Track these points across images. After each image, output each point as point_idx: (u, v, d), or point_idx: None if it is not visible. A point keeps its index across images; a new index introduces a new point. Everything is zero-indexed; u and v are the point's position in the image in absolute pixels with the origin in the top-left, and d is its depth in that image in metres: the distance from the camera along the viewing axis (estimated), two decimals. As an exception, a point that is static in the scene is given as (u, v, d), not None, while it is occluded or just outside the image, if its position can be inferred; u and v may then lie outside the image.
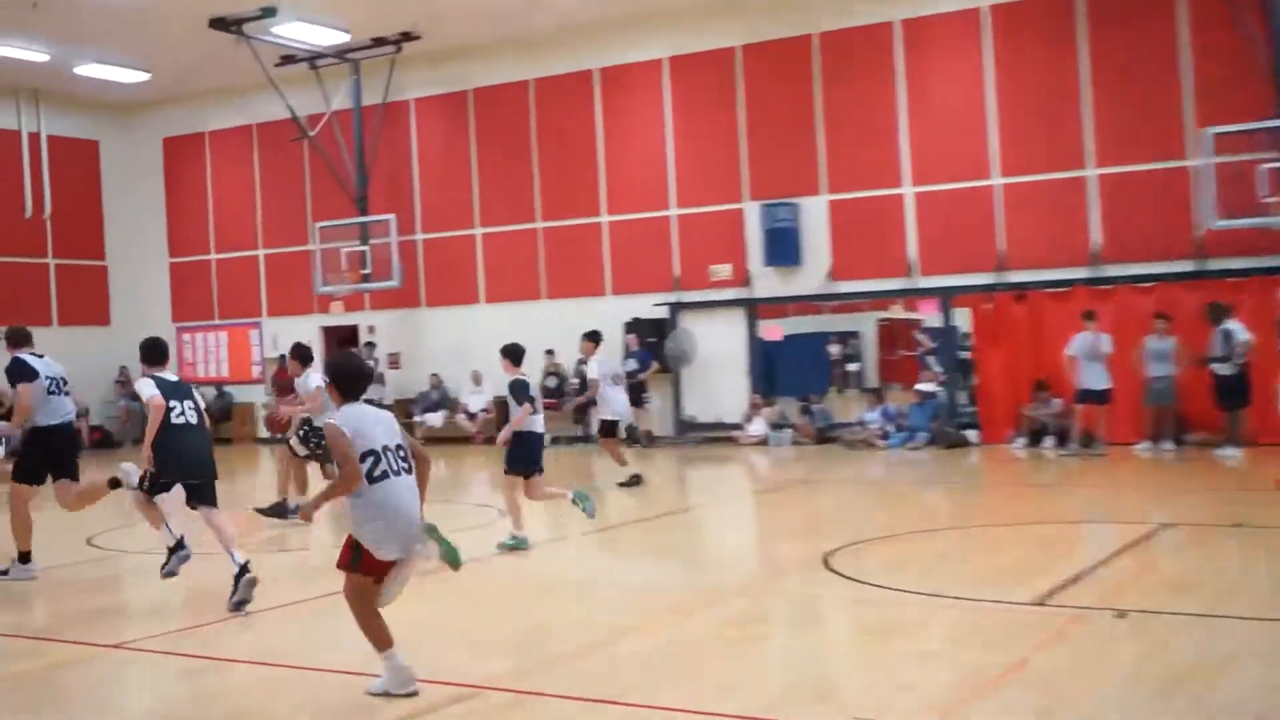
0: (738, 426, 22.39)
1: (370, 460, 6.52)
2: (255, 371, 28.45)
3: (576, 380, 23.54)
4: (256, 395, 28.31)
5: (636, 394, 22.41)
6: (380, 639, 6.56)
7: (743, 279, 22.61)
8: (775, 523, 13.21)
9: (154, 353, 9.83)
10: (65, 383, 10.96)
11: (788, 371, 22.43)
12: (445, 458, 22.13)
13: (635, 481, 15.99)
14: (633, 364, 22.24)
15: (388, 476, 6.53)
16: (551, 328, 24.19)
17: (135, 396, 28.70)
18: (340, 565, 6.60)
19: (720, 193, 22.88)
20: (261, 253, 28.27)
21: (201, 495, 9.52)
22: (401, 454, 6.66)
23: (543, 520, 13.20)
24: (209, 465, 9.63)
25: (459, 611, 8.80)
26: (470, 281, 25.52)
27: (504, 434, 11.62)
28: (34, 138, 27.89)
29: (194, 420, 9.62)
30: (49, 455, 10.73)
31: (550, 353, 24.08)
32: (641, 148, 23.65)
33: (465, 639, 7.91)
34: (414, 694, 6.50)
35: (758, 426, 22.01)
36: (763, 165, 22.51)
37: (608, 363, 16.96)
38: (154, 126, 29.71)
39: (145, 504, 9.57)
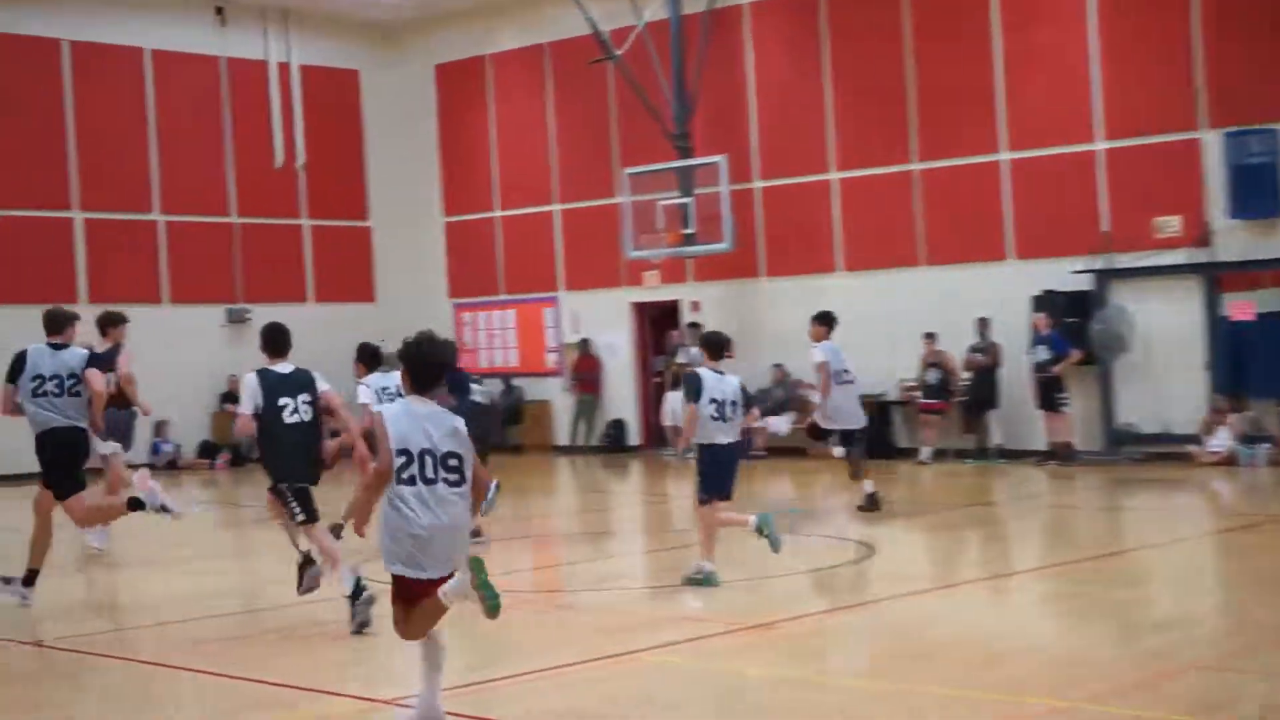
0: (1193, 439, 21.48)
1: (401, 460, 7.47)
2: (550, 361, 28.80)
3: (970, 374, 22.86)
4: (552, 391, 28.68)
5: (1048, 394, 21.75)
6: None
7: (1198, 236, 21.49)
8: (1248, 574, 12.72)
9: (271, 341, 11.27)
10: (74, 380, 12.06)
11: (1264, 364, 21.17)
12: (792, 473, 21.92)
13: (873, 505, 16.62)
14: (1043, 352, 21.82)
15: (414, 483, 7.47)
16: (931, 304, 23.72)
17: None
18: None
19: (1166, 117, 21.78)
20: (557, 208, 28.61)
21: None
22: (450, 464, 7.52)
23: (928, 558, 13.14)
24: (316, 469, 10.98)
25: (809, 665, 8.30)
26: (823, 243, 25.10)
27: (680, 443, 12.61)
28: (283, 70, 29.06)
29: (308, 417, 10.86)
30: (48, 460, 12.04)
31: (930, 337, 23.45)
32: (1056, 61, 22.74)
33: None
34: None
35: (1221, 439, 21.12)
36: (1228, 79, 21.18)
37: (840, 354, 17.19)
38: (425, 51, 30.51)
39: (273, 506, 11.30)
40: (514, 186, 29.31)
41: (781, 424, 24.71)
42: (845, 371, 17.10)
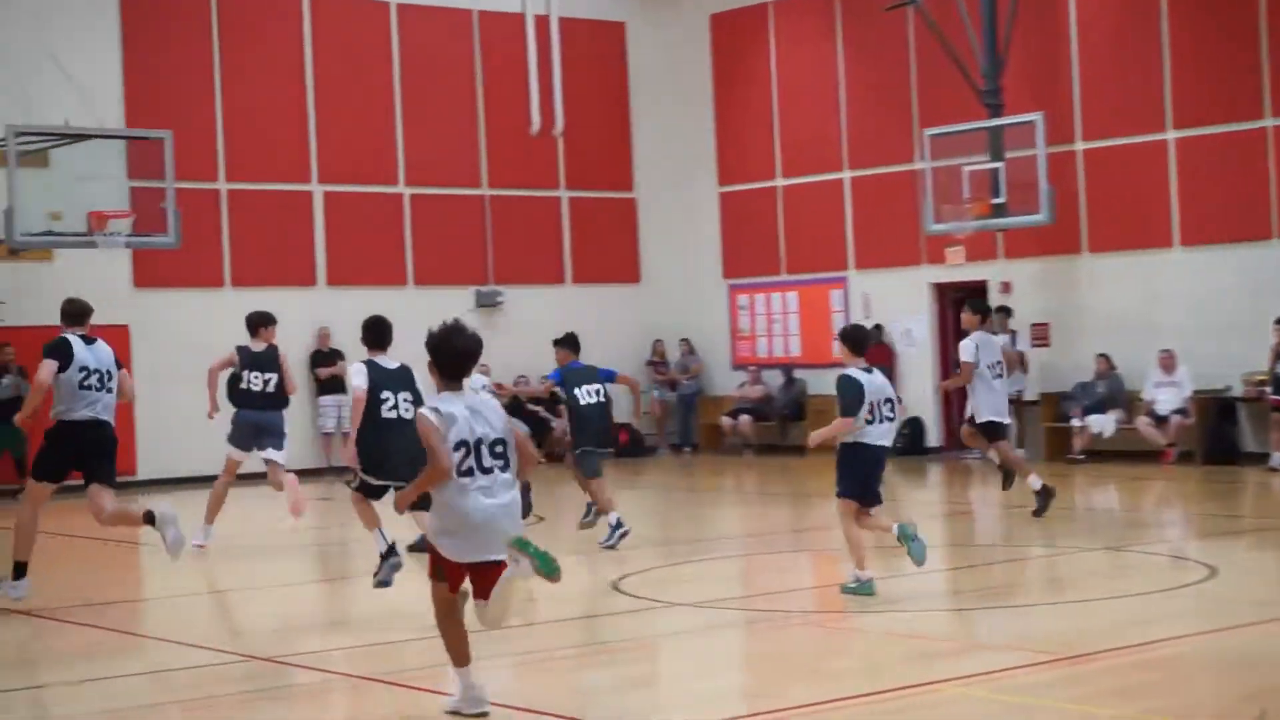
0: None
1: (461, 452, 8.44)
2: (837, 350, 28.50)
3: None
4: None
5: None
6: (457, 654, 8.78)
7: None
8: None
9: (375, 333, 12.97)
10: (110, 377, 13.21)
11: None
12: (1118, 481, 21.53)
13: (1046, 497, 17.13)
14: None
15: (473, 473, 8.49)
16: (1287, 285, 23.04)
17: (672, 383, 29.91)
18: (430, 574, 8.80)
19: None
20: (846, 175, 28.50)
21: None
22: (498, 449, 8.57)
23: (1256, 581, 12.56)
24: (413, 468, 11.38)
25: None
26: (1158, 214, 24.50)
27: (816, 436, 13.06)
28: (541, 24, 29.44)
29: (408, 415, 12.02)
30: (74, 453, 13.16)
31: (1284, 323, 22.69)
32: None
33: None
34: (484, 715, 8.69)
35: None
36: None
37: (990, 344, 17.67)
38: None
39: (360, 504, 12.92)
40: (798, 152, 29.22)
41: (1106, 423, 24.28)
42: (997, 364, 17.69)
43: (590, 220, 30.24)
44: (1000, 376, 17.65)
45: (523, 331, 28.27)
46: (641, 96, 30.95)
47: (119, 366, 13.44)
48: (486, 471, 8.50)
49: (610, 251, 30.48)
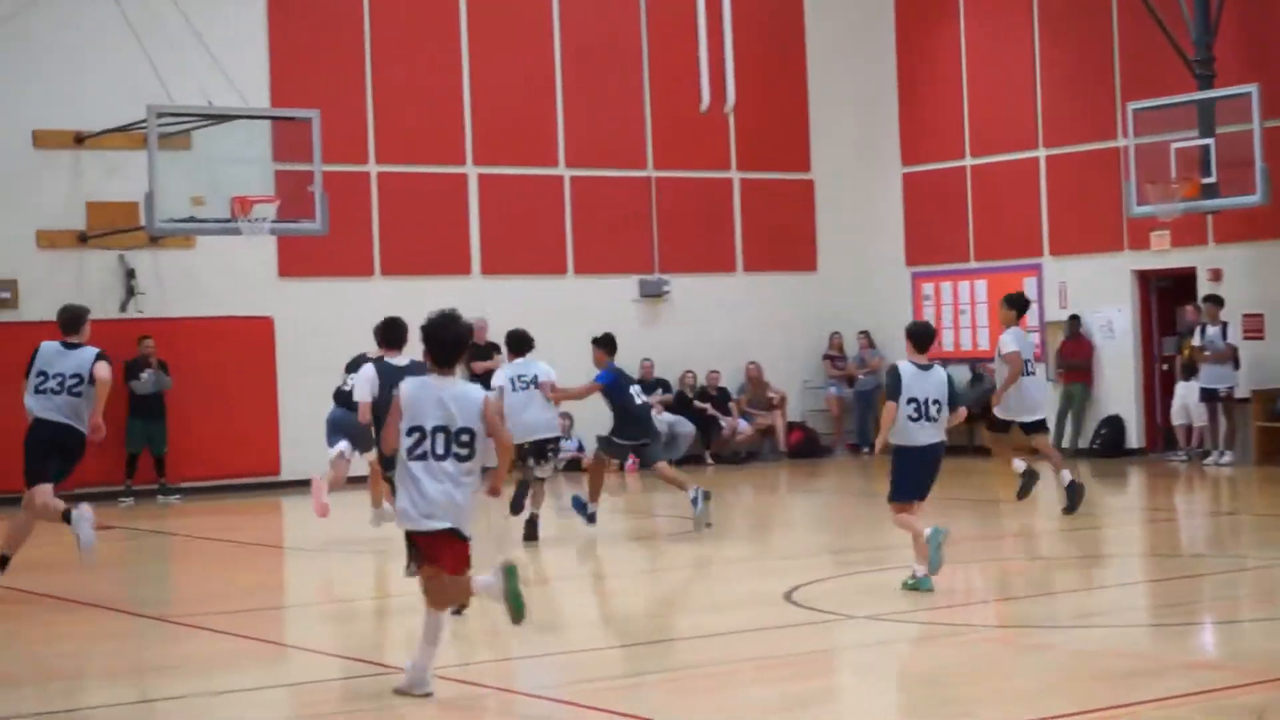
0: None
1: (415, 436, 9.75)
2: (1033, 342, 28.29)
3: None
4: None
5: None
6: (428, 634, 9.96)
7: None
8: None
9: (390, 333, 14.57)
10: (78, 380, 14.64)
11: None
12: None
13: (1029, 483, 18.84)
14: None
15: (425, 459, 9.75)
16: None
17: (850, 378, 29.71)
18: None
19: None
20: (1041, 154, 28.31)
21: None
22: (463, 439, 9.75)
23: None
24: None
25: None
26: (1388, 194, 23.95)
27: (879, 441, 13.85)
28: (712, -8, 29.44)
29: None
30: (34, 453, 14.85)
31: None
32: None
33: None
34: (428, 695, 9.88)
35: None
36: None
37: (1026, 338, 19.13)
38: (882, -36, 30.56)
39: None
40: (988, 129, 29.05)
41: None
42: (1031, 361, 19.04)
43: (763, 204, 30.15)
44: (1032, 374, 18.98)
45: (690, 324, 28.38)
46: (820, 70, 30.76)
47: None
48: (440, 458, 9.71)
49: (785, 237, 30.34)
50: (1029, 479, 18.81)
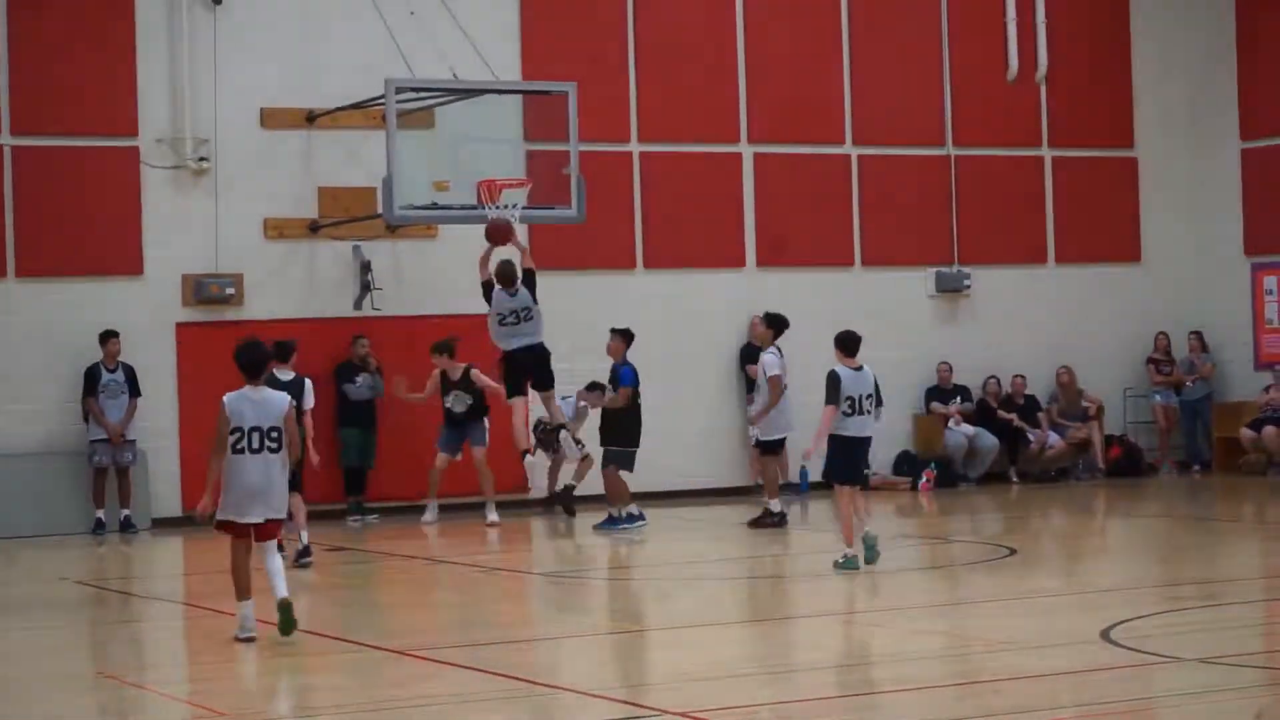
0: None
1: (235, 436, 13.66)
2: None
3: None
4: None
5: None
6: (240, 590, 13.88)
7: None
8: None
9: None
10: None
11: None
12: None
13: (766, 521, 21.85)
14: None
15: (244, 453, 13.70)
16: None
17: (1178, 385, 29.02)
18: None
19: None
20: None
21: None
22: (273, 435, 13.80)
23: None
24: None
25: None
26: None
27: (816, 436, 17.56)
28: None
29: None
30: None
31: None
32: None
33: None
34: (251, 639, 13.68)
35: None
36: None
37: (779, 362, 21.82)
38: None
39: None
40: (1343, 97, 28.22)
41: None
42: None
43: (1080, 185, 29.54)
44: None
45: (994, 323, 28.01)
46: (1145, 31, 30.00)
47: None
48: (256, 451, 13.76)
49: (1104, 223, 29.71)
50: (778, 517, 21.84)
